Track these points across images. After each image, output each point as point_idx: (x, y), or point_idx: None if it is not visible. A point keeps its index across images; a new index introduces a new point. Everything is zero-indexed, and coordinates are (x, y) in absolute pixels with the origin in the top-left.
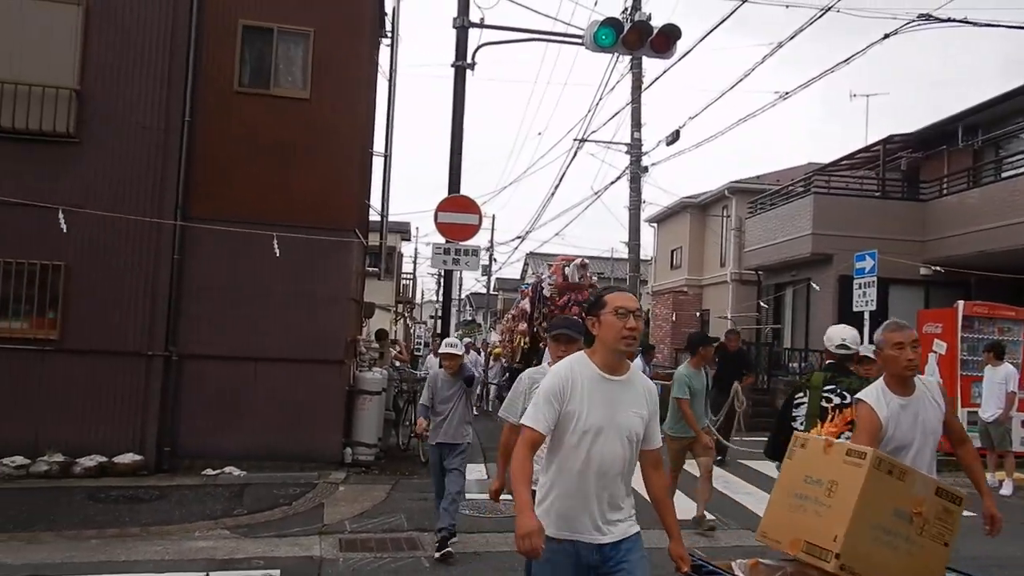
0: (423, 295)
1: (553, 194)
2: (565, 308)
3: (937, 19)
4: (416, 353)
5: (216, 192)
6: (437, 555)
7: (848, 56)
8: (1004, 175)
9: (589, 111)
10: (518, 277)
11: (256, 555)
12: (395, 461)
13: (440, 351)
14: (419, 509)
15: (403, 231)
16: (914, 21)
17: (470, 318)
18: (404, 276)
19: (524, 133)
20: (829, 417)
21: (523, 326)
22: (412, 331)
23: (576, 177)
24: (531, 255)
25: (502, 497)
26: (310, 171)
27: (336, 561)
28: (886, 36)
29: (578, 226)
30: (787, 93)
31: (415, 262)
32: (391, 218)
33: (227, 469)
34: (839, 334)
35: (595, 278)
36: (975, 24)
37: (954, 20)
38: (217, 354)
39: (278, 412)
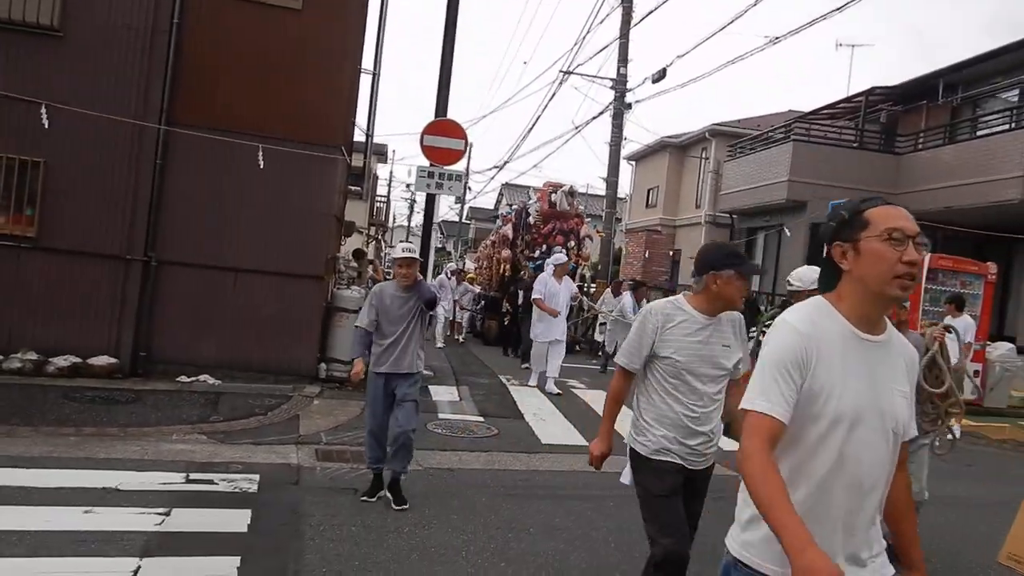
0: (395, 219)
1: (534, 125)
2: (550, 236)
3: None
4: (388, 277)
5: (203, 99)
6: (394, 503)
7: (841, 4)
8: (979, 134)
9: (576, 44)
10: (492, 207)
11: (234, 460)
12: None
13: (394, 255)
14: None
15: (380, 152)
16: None
17: (440, 245)
18: (378, 199)
19: (508, 62)
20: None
21: (505, 252)
22: (384, 254)
23: (557, 111)
24: (507, 186)
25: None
26: (299, 84)
27: (314, 470)
28: None
29: (556, 159)
30: (777, 38)
31: (390, 184)
32: (359, 136)
33: (202, 377)
34: (797, 275)
35: (582, 207)
36: None
37: None
38: (196, 262)
39: (255, 324)
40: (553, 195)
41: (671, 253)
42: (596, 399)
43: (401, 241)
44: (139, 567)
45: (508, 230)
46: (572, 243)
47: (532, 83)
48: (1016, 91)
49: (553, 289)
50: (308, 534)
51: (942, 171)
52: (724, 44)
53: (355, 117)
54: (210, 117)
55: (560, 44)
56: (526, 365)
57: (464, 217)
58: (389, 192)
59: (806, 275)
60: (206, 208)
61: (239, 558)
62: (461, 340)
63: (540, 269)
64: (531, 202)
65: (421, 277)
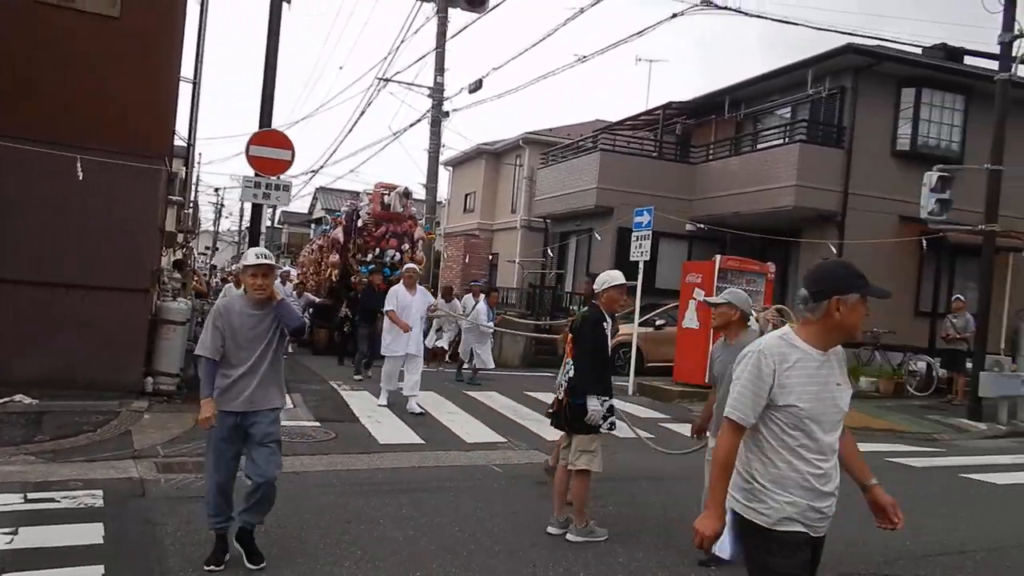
0: (200, 225)
1: (351, 130)
2: (383, 239)
3: (716, 6)
4: (212, 287)
5: (20, 109)
6: (248, 561)
7: (641, 29)
8: (759, 147)
9: (390, 52)
10: (306, 211)
11: (72, 477)
12: (198, 391)
13: (246, 262)
14: None
15: (184, 156)
16: (697, 6)
17: None
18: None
19: (323, 66)
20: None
21: (334, 257)
22: (193, 262)
23: (375, 116)
24: (321, 190)
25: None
26: (119, 93)
27: (158, 481)
28: (674, 16)
29: (374, 165)
30: (585, 57)
31: (197, 189)
32: (178, 142)
33: (16, 397)
34: (600, 278)
35: (414, 209)
36: (746, 14)
37: (729, 8)
38: (15, 277)
39: (77, 339)
40: (386, 196)
41: (490, 257)
42: (429, 401)
43: (253, 247)
44: None
45: (339, 233)
46: (406, 246)
47: (348, 88)
48: (788, 109)
49: (405, 300)
50: (166, 540)
51: (730, 180)
52: (537, 57)
53: (175, 126)
54: (33, 126)
55: (377, 51)
56: (358, 377)
57: (277, 221)
58: (197, 197)
59: (602, 277)
60: (27, 220)
61: (102, 567)
62: (290, 350)
63: (374, 274)
64: (362, 204)
65: (283, 294)
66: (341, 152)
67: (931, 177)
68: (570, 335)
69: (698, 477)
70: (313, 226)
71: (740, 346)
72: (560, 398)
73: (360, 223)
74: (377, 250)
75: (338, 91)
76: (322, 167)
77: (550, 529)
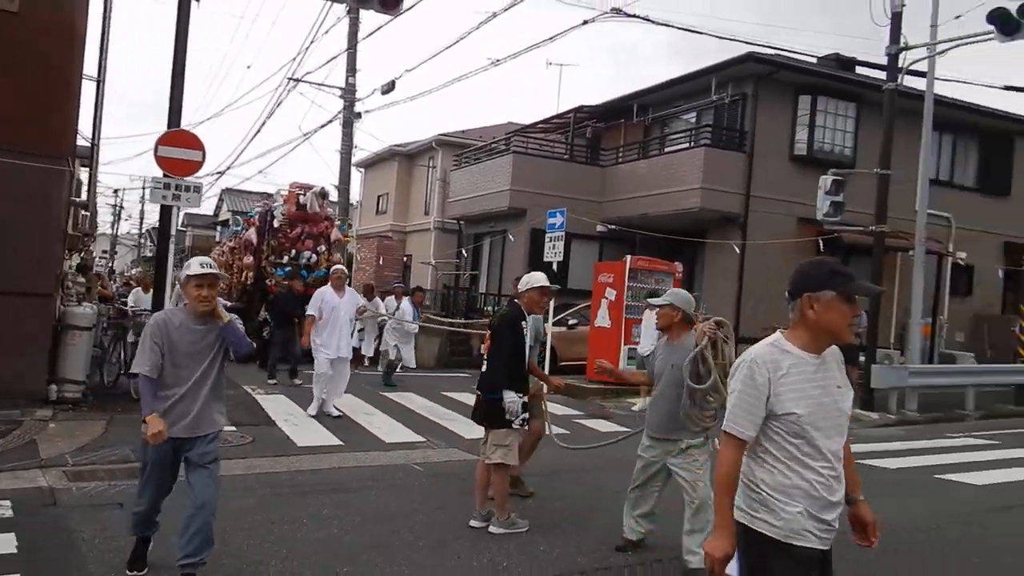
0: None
1: (259, 131)
2: (299, 240)
3: (626, 14)
4: (118, 294)
5: None
6: None
7: (552, 35)
8: (666, 150)
9: (299, 53)
10: (211, 213)
11: None
12: (104, 399)
13: (189, 272)
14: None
15: (82, 155)
16: (607, 13)
17: (151, 254)
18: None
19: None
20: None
21: (248, 259)
22: (95, 266)
23: (284, 117)
24: (228, 191)
25: None
26: (20, 92)
27: (69, 490)
28: (585, 23)
29: (283, 166)
30: (498, 60)
31: (94, 190)
32: (81, 142)
33: None
34: (523, 279)
35: (331, 209)
36: (654, 22)
37: (638, 16)
38: None
39: None
40: (302, 197)
41: (404, 259)
42: (346, 403)
43: (198, 255)
44: None
45: (252, 235)
46: (323, 248)
47: (257, 88)
48: (693, 114)
49: (333, 302)
50: (83, 548)
51: (639, 182)
52: (450, 60)
53: (78, 125)
54: None
55: (287, 50)
56: (273, 381)
57: (180, 223)
58: (94, 198)
59: (525, 278)
60: None
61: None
62: None
63: (291, 277)
64: (277, 205)
65: (231, 314)
66: (249, 153)
67: (826, 181)
68: (489, 332)
69: (613, 468)
70: (219, 228)
71: (683, 347)
72: (479, 394)
73: (275, 224)
74: (293, 252)
75: (246, 91)
76: (229, 168)
77: (473, 523)
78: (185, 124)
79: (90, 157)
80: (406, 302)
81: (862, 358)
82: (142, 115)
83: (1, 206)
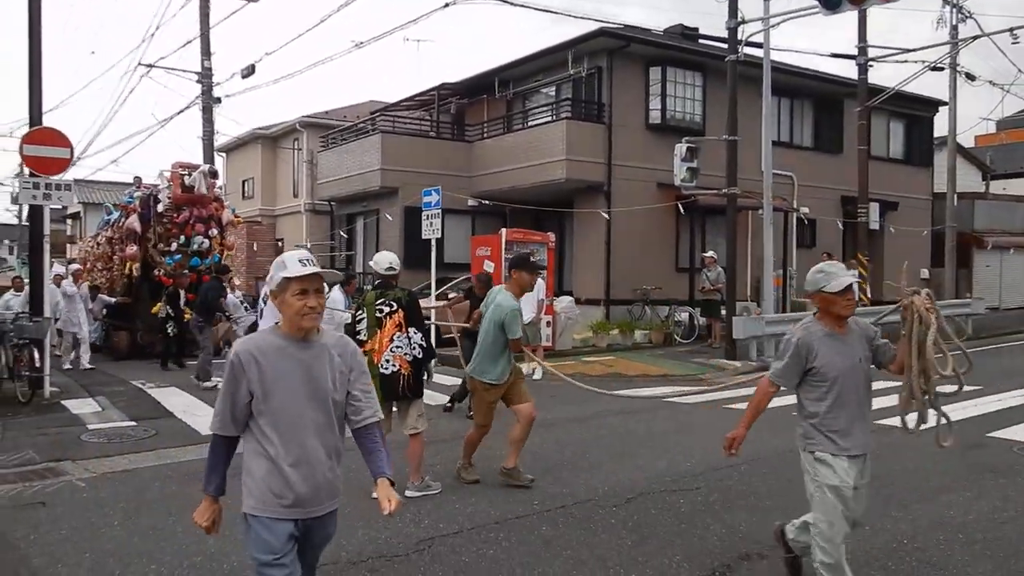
0: None
1: (110, 120)
2: (187, 225)
3: None
4: None
5: None
6: None
7: (415, 17)
8: (530, 124)
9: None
10: (60, 206)
11: None
12: None
13: (288, 272)
14: (44, 443)
15: None
16: None
17: None
18: None
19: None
20: (384, 324)
21: (131, 249)
22: None
23: (135, 104)
24: (79, 183)
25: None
26: None
27: None
28: (446, 5)
29: (139, 154)
30: (362, 43)
31: None
32: None
33: None
34: (387, 259)
35: (220, 189)
36: (513, 4)
37: None
38: None
39: None
40: (187, 177)
41: (278, 243)
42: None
43: (298, 246)
44: None
45: (135, 222)
46: (214, 231)
47: (104, 75)
48: (553, 88)
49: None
50: (20, 545)
51: (506, 156)
52: (311, 40)
53: None
54: None
55: (135, 35)
56: (209, 384)
57: (24, 219)
58: None
59: (381, 259)
60: None
61: None
62: (85, 363)
63: (187, 266)
64: (162, 187)
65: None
66: (100, 143)
67: (680, 148)
68: (402, 311)
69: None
70: (69, 221)
71: (856, 335)
72: (397, 369)
73: (160, 209)
74: (182, 238)
75: (92, 78)
76: (79, 158)
77: (409, 492)
78: (19, 120)
79: None
80: (336, 291)
81: (723, 312)
82: None
83: None
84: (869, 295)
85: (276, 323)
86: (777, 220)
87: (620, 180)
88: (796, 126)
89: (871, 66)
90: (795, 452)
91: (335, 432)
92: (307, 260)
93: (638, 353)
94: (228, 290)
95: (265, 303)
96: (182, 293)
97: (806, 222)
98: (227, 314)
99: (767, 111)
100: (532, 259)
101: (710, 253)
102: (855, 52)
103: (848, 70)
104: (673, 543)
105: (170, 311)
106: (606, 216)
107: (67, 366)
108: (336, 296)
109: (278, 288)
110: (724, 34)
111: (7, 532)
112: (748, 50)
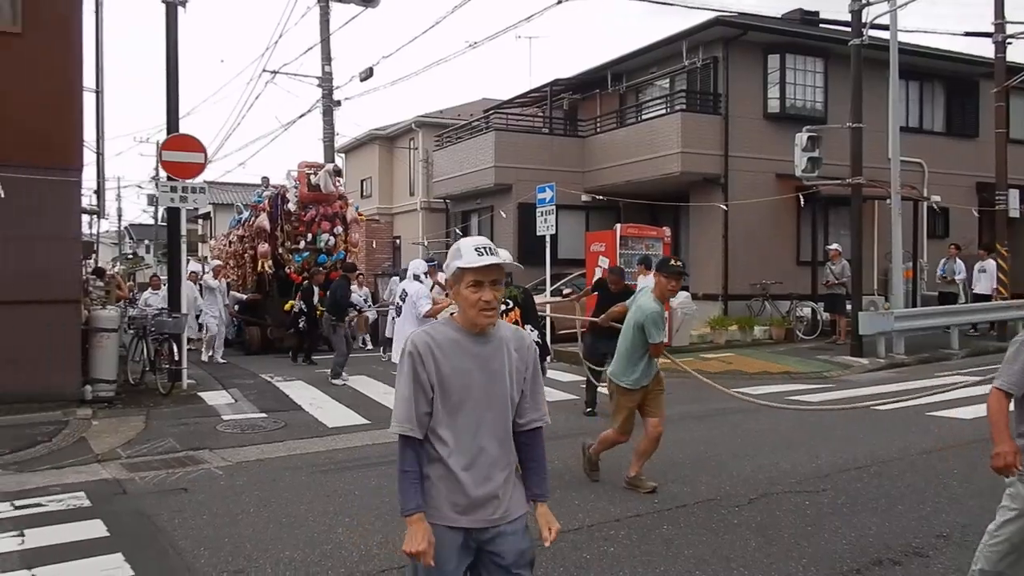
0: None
1: (238, 124)
2: (313, 223)
3: None
4: (134, 295)
5: None
6: None
7: (528, 15)
8: (644, 117)
9: (267, 47)
10: (194, 208)
11: (48, 484)
12: (134, 395)
13: (463, 262)
14: (184, 433)
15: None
16: None
17: (130, 252)
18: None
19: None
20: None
21: (263, 247)
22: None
23: (260, 109)
24: (209, 184)
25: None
26: (30, 109)
27: (132, 480)
28: (559, 2)
29: (264, 157)
30: (476, 43)
31: (103, 196)
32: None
33: None
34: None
35: (343, 186)
36: None
37: None
38: None
39: (8, 355)
40: (313, 176)
41: (394, 241)
42: (363, 384)
43: (476, 235)
44: None
45: (264, 221)
46: (339, 229)
47: (231, 83)
48: (667, 80)
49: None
50: (167, 528)
51: (619, 150)
52: (427, 42)
53: (83, 136)
54: None
55: (259, 44)
56: (339, 382)
57: (160, 220)
58: (103, 204)
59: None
60: None
61: (120, 554)
62: (219, 359)
63: (313, 263)
64: (289, 186)
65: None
66: (228, 146)
67: (801, 138)
68: (518, 309)
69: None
70: (201, 221)
71: None
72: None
73: (289, 207)
74: (309, 235)
75: (220, 85)
76: (211, 161)
77: None
78: (161, 122)
79: (97, 165)
80: (415, 282)
81: (849, 307)
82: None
83: (24, 220)
84: (1008, 288)
85: (451, 314)
86: (906, 210)
87: (737, 172)
88: (926, 110)
89: (1010, 43)
90: (926, 455)
91: (511, 435)
92: (485, 248)
93: (758, 350)
94: (356, 286)
95: (403, 300)
96: (316, 290)
97: (937, 211)
98: (358, 309)
99: (894, 96)
100: (673, 263)
101: (834, 246)
102: (991, 29)
103: (984, 48)
104: (799, 545)
105: (303, 307)
106: (723, 209)
107: (205, 359)
108: (417, 288)
109: (452, 278)
110: (847, 17)
111: (155, 516)
112: (873, 32)
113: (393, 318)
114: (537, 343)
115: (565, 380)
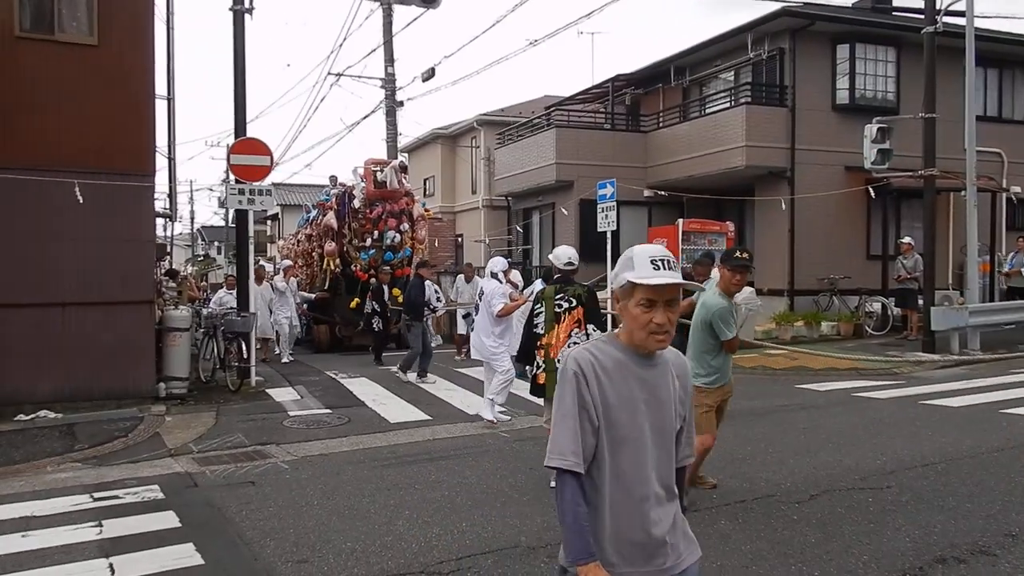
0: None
1: (304, 126)
2: (380, 220)
3: None
4: (207, 295)
5: (13, 139)
6: None
7: (589, 12)
8: (707, 111)
9: (332, 50)
10: (262, 209)
11: (124, 477)
12: (205, 392)
13: (637, 276)
14: (251, 428)
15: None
16: None
17: (202, 253)
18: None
19: (267, 65)
20: (562, 320)
21: (330, 246)
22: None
23: (326, 110)
24: (276, 185)
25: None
26: (106, 117)
27: (203, 474)
28: None
29: (329, 158)
30: (536, 40)
31: (175, 201)
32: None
33: (41, 413)
34: (566, 254)
35: (410, 184)
36: None
37: None
38: (19, 301)
39: (90, 354)
40: (379, 173)
41: (457, 238)
42: (427, 381)
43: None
44: (112, 564)
45: (331, 219)
46: (405, 225)
47: (297, 85)
48: (731, 72)
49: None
50: (236, 519)
51: (682, 145)
52: (487, 40)
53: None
54: (16, 156)
55: (322, 47)
56: (404, 377)
57: (231, 221)
58: (175, 208)
59: (560, 253)
60: (25, 245)
61: (191, 544)
62: (287, 357)
63: (380, 261)
64: (356, 183)
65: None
66: (295, 148)
67: (871, 129)
68: (581, 307)
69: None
70: (269, 222)
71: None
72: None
73: (356, 205)
74: (375, 233)
75: (286, 88)
76: (278, 164)
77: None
78: (228, 127)
79: (169, 171)
80: (493, 281)
81: (921, 302)
82: (189, 119)
83: (101, 223)
84: None
85: (615, 331)
86: (983, 202)
87: (804, 165)
88: (1005, 98)
89: None
90: (997, 453)
91: (674, 470)
92: (662, 262)
93: (825, 345)
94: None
95: (480, 298)
96: (385, 288)
97: (1017, 203)
98: (432, 307)
99: (970, 84)
100: (738, 255)
101: (906, 239)
102: None
103: None
104: (860, 542)
105: (375, 306)
106: (789, 202)
107: (285, 360)
108: (493, 287)
109: (621, 291)
110: (920, 4)
111: (224, 508)
112: (948, 19)
113: (464, 316)
114: None
115: None
